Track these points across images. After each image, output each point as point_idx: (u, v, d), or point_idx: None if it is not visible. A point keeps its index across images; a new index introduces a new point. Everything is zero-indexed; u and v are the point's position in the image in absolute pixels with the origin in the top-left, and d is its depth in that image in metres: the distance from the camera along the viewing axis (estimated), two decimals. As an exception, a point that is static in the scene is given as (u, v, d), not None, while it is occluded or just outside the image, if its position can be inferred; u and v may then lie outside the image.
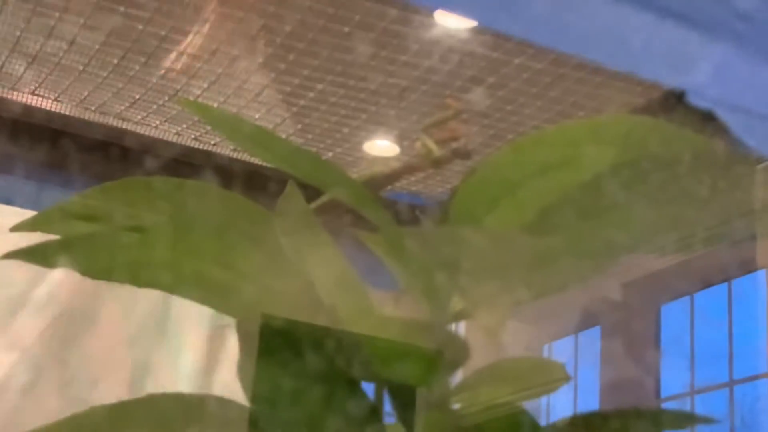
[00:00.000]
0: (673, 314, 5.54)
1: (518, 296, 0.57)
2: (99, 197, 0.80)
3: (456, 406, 0.74)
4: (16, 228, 0.88)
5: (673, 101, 0.60)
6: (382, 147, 3.09)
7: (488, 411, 0.74)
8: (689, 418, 0.59)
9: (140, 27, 1.07)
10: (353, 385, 0.76)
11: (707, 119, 0.54)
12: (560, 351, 5.42)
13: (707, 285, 5.40)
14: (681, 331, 5.50)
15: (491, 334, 0.61)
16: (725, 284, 5.37)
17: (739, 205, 0.50)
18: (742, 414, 5.44)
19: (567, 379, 0.81)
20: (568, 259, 0.52)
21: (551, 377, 0.77)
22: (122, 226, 0.78)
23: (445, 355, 0.65)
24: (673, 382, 5.52)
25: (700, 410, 5.46)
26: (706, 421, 0.57)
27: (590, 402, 5.12)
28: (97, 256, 0.73)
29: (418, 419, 0.70)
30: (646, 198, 0.52)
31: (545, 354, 5.32)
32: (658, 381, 5.40)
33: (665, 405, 5.41)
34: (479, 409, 0.74)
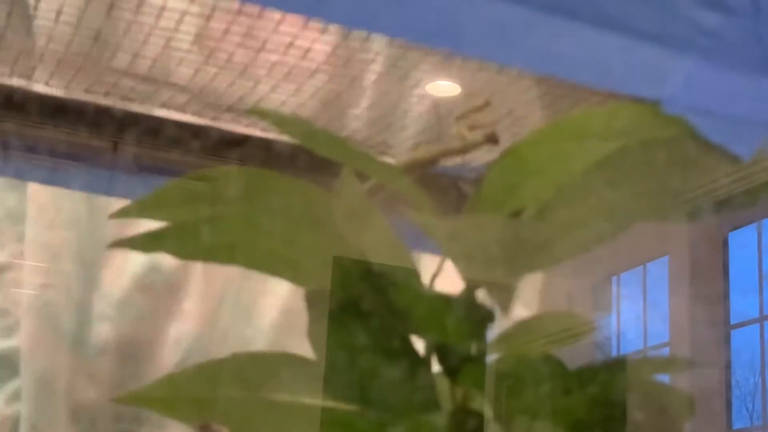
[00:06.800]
0: (741, 241, 5.57)
1: (522, 272, 0.69)
2: (187, 187, 0.93)
3: (492, 357, 0.86)
4: (115, 215, 1.00)
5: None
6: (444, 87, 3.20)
7: (521, 360, 0.87)
8: (673, 364, 0.69)
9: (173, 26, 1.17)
10: (405, 341, 0.88)
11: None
12: (628, 282, 5.47)
13: (774, 211, 5.40)
14: (749, 258, 5.52)
15: (503, 306, 0.73)
16: (792, 210, 5.36)
17: (706, 193, 0.61)
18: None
19: (593, 329, 0.93)
20: (564, 240, 0.64)
21: (576, 328, 0.89)
22: (206, 213, 0.92)
23: (474, 317, 0.77)
24: (742, 309, 5.56)
25: (769, 335, 5.50)
26: (689, 365, 0.68)
27: (659, 332, 5.19)
28: (188, 242, 0.86)
29: (460, 369, 0.83)
30: (630, 187, 0.63)
31: (613, 285, 5.38)
32: (727, 308, 5.44)
33: (735, 332, 5.46)
34: (513, 359, 0.86)
